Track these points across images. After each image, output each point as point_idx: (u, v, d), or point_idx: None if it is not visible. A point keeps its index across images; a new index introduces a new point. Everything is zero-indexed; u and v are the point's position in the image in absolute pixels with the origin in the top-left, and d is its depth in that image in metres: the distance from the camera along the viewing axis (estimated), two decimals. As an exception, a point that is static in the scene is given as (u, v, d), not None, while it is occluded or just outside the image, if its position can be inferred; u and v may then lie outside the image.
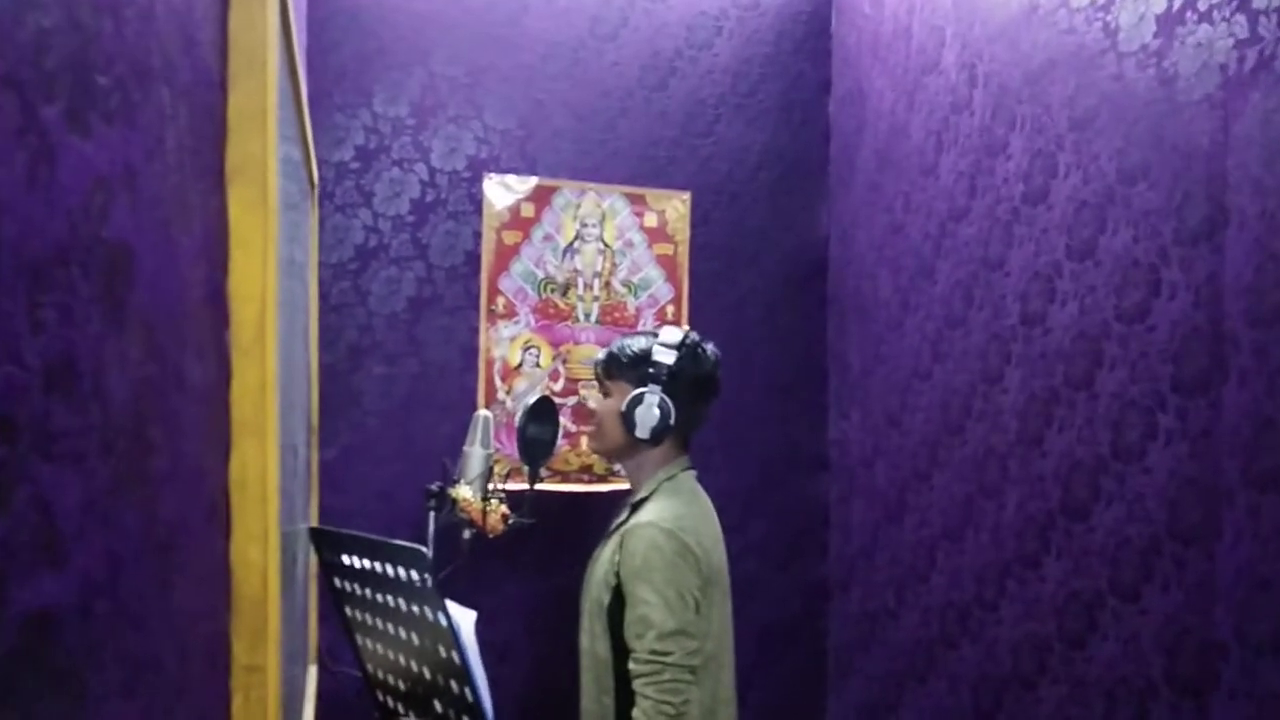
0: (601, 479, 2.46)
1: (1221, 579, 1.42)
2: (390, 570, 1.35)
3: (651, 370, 1.82)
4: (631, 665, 1.69)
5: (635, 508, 1.82)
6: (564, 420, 2.39)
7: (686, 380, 1.84)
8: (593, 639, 1.81)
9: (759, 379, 2.63)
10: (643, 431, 1.80)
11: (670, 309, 2.53)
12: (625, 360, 1.86)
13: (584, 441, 2.45)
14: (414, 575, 1.31)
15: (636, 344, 1.87)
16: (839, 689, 2.64)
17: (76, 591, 0.39)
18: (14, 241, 0.31)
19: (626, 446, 1.87)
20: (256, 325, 0.81)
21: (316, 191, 2.16)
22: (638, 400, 1.81)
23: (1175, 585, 1.51)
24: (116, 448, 0.45)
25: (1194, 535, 1.48)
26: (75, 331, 0.38)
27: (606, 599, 1.77)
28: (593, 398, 1.96)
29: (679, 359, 1.82)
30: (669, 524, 1.73)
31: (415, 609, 1.35)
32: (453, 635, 1.30)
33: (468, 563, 2.09)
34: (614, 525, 1.89)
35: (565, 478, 2.44)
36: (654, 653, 1.67)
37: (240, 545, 0.80)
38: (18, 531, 0.33)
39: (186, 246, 0.62)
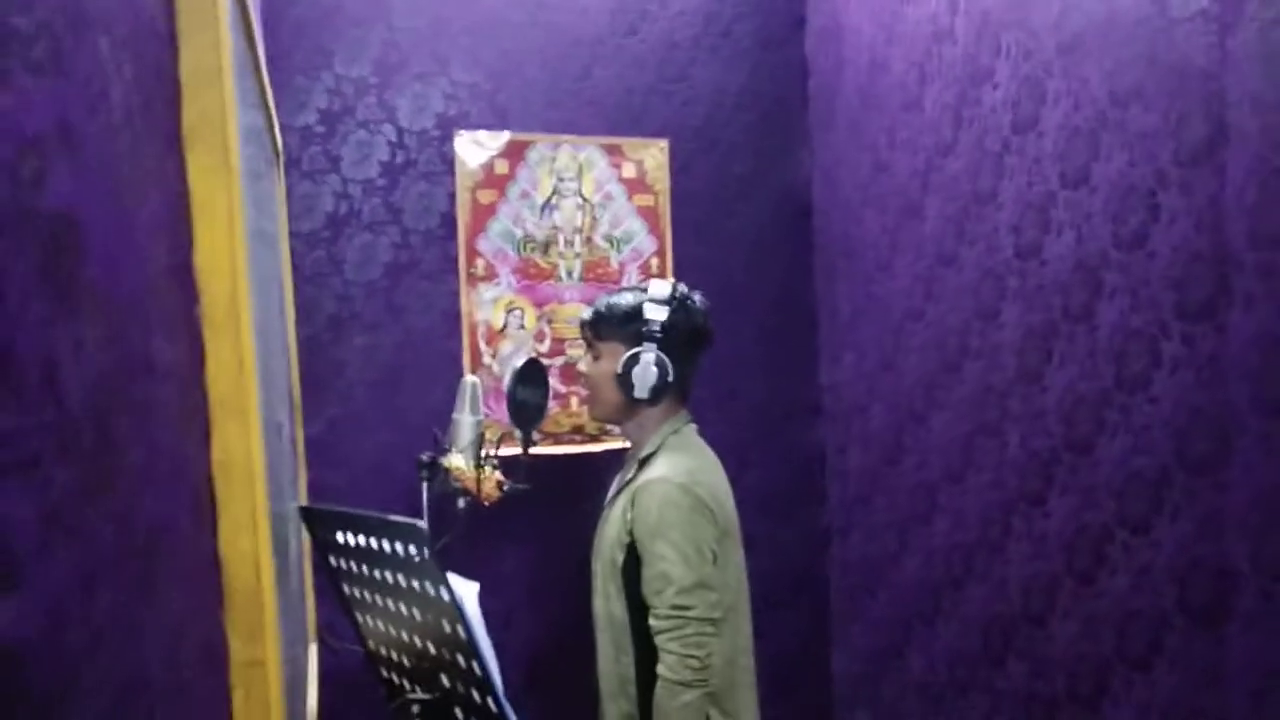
0: (594, 439, 2.42)
1: (1233, 507, 1.40)
2: (388, 546, 1.30)
3: (644, 328, 1.76)
4: (653, 622, 1.67)
5: (643, 464, 1.78)
6: (553, 381, 2.34)
7: (680, 334, 1.78)
8: (608, 600, 1.78)
9: (748, 328, 2.58)
10: (642, 392, 1.76)
11: (654, 261, 2.47)
12: (615, 319, 1.80)
13: (574, 402, 2.40)
14: (412, 550, 1.26)
15: (625, 301, 1.81)
16: (844, 635, 2.64)
17: (40, 619, 0.34)
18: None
19: (624, 408, 1.82)
20: (228, 300, 0.75)
21: (282, 159, 2.08)
22: (634, 361, 1.76)
23: (1186, 515, 1.48)
24: (78, 448, 0.39)
25: (1204, 464, 1.45)
26: (12, 315, 0.32)
27: (620, 558, 1.74)
28: (582, 361, 1.90)
29: (671, 313, 1.77)
30: (682, 478, 1.69)
31: (416, 584, 1.30)
32: (457, 609, 1.25)
33: (464, 532, 2.05)
34: (621, 484, 1.84)
35: (558, 439, 2.40)
36: (675, 608, 1.64)
37: (229, 535, 0.75)
38: (-39, 557, 0.28)
39: (143, 217, 0.56)
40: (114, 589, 0.44)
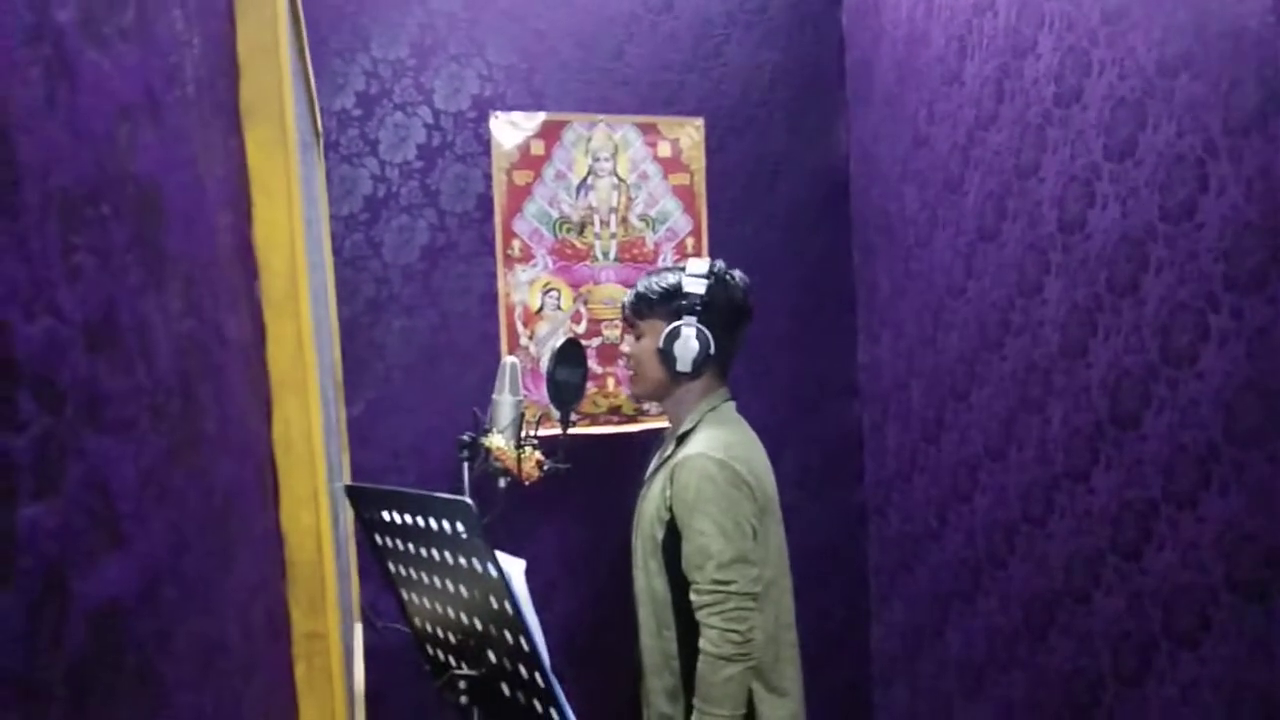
0: (631, 419, 2.43)
1: (1286, 480, 1.38)
2: (435, 524, 1.31)
3: (684, 302, 1.78)
4: (694, 596, 1.68)
5: (681, 440, 1.79)
6: (590, 362, 2.35)
7: (720, 308, 1.80)
8: (649, 576, 1.79)
9: (785, 307, 2.57)
10: (683, 364, 1.77)
11: (690, 241, 2.46)
12: (655, 297, 1.82)
13: (611, 383, 2.41)
14: (460, 528, 1.27)
15: (664, 279, 1.83)
16: (882, 612, 2.63)
17: (142, 577, 0.34)
18: (38, 170, 0.26)
19: (667, 383, 1.84)
20: (287, 277, 0.76)
21: (321, 142, 2.09)
22: (675, 334, 1.77)
23: (1235, 490, 1.46)
24: (167, 412, 0.40)
25: (1254, 437, 1.43)
26: (114, 280, 0.33)
27: (660, 534, 1.75)
28: (624, 342, 1.92)
29: (710, 288, 1.78)
30: (719, 453, 1.70)
31: (463, 560, 1.32)
32: (505, 586, 1.26)
33: (505, 512, 2.07)
34: (660, 460, 1.86)
35: (595, 420, 2.41)
36: (716, 582, 1.65)
37: (290, 509, 0.76)
38: (74, 515, 0.29)
39: (213, 190, 0.56)
40: (199, 552, 0.45)
